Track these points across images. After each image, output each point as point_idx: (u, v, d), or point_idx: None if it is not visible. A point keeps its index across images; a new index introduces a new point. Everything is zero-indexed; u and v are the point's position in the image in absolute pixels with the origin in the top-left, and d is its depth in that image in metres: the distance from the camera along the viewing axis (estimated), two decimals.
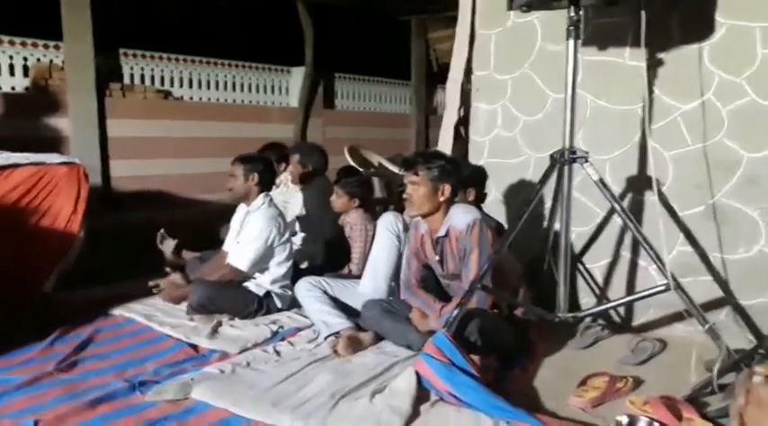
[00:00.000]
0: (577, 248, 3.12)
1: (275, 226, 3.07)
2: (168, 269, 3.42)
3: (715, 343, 2.23)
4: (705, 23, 2.70)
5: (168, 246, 3.54)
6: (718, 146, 2.70)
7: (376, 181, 4.41)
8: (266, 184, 3.16)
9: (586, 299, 3.14)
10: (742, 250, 2.71)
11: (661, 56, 2.79)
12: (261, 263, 3.08)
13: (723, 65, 2.68)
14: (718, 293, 2.77)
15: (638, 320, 3.00)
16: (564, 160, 2.37)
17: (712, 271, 2.78)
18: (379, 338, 2.72)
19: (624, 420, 2.10)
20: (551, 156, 2.41)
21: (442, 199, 2.55)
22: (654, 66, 2.79)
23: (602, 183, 2.38)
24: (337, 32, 7.69)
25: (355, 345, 2.63)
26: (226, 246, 3.29)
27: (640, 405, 2.22)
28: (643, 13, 2.40)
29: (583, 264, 3.12)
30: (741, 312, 2.72)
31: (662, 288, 2.33)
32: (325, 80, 7.61)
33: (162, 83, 6.03)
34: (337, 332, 2.71)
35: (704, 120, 2.72)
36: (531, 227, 2.95)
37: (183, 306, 3.07)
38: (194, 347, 2.67)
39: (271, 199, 3.17)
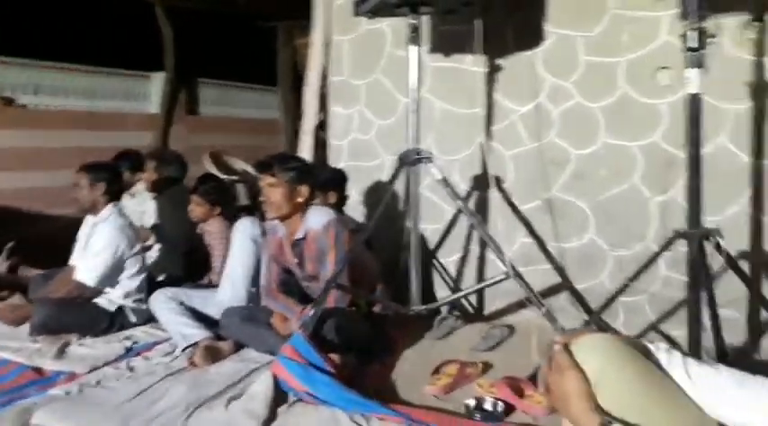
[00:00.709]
0: (432, 244, 3.27)
1: (124, 238, 2.93)
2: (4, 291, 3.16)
3: (552, 325, 2.43)
4: (536, 32, 2.94)
5: (2, 266, 3.28)
6: (551, 144, 2.95)
7: (240, 188, 4.36)
8: (114, 194, 3.01)
9: (442, 293, 3.29)
10: (575, 239, 2.97)
11: (498, 62, 3.00)
12: (111, 277, 2.93)
13: (553, 70, 2.93)
14: (556, 279, 3.02)
15: (489, 309, 3.20)
16: (410, 161, 2.48)
17: (551, 260, 3.02)
18: (239, 346, 2.69)
19: (472, 402, 2.23)
20: (398, 158, 2.51)
21: (299, 200, 2.58)
22: (492, 71, 3.00)
23: (445, 182, 2.51)
24: (200, 37, 7.48)
25: (214, 355, 2.58)
26: (72, 261, 3.11)
27: (488, 388, 2.36)
28: (479, 22, 2.58)
29: (437, 259, 3.28)
30: (576, 295, 2.98)
31: (502, 277, 2.50)
32: (188, 86, 7.38)
33: (3, 90, 5.57)
34: (195, 343, 2.65)
35: (538, 121, 2.96)
36: (387, 226, 3.05)
37: (26, 327, 2.85)
38: (38, 370, 2.49)
39: (120, 209, 3.03)
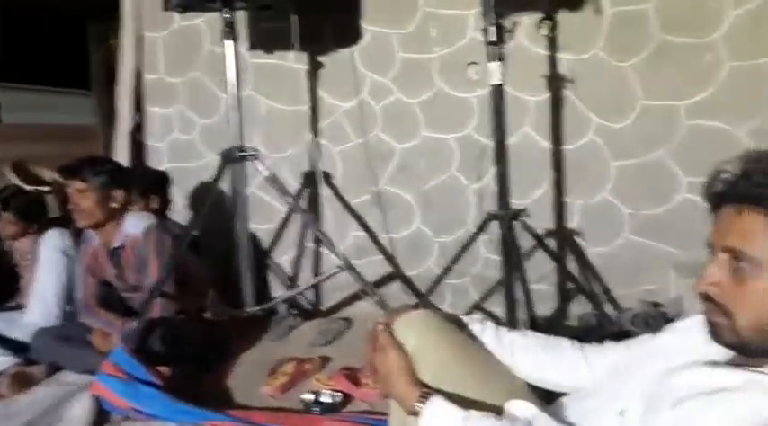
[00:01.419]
0: (266, 244, 3.22)
1: None
2: None
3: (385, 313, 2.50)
4: (353, 29, 3.00)
5: None
6: (376, 139, 3.03)
7: (51, 199, 3.96)
8: None
9: (279, 293, 3.25)
10: (403, 229, 3.09)
11: (319, 59, 3.02)
12: None
13: (372, 67, 3.01)
14: (388, 269, 3.11)
15: (327, 304, 3.22)
16: (233, 158, 2.41)
17: (382, 251, 3.11)
18: (54, 369, 2.45)
19: (309, 397, 2.23)
20: (221, 156, 2.43)
21: (114, 206, 2.40)
22: (314, 68, 3.02)
23: (273, 179, 2.48)
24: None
25: (24, 382, 2.32)
26: None
27: (325, 381, 2.37)
28: (295, 19, 2.57)
29: (271, 259, 3.23)
30: (407, 282, 3.09)
31: (336, 270, 2.53)
32: None
33: None
34: (1, 372, 2.37)
35: (362, 117, 3.03)
36: (217, 228, 2.95)
37: None
38: None
39: None
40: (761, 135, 2.62)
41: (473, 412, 1.07)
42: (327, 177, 3.07)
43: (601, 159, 2.82)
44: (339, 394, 2.23)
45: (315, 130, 3.00)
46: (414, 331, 1.21)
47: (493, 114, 2.14)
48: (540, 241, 2.66)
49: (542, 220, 2.91)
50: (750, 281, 0.90)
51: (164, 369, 2.23)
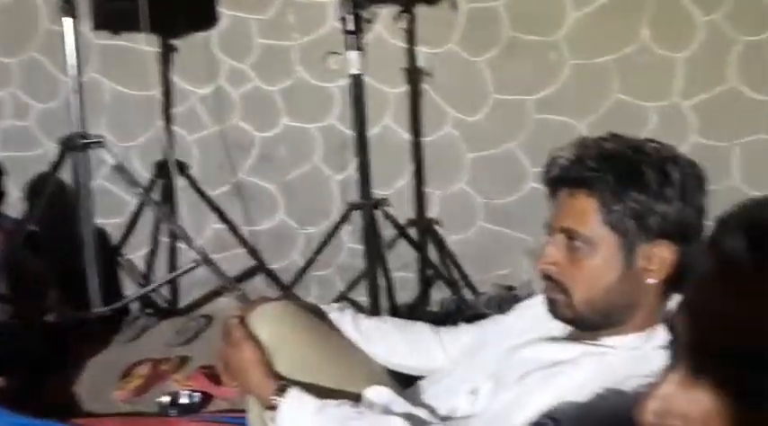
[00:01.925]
0: (115, 239, 3.00)
1: None
2: None
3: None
4: (210, 13, 2.86)
5: None
6: (235, 128, 2.92)
7: None
8: None
9: (132, 291, 3.05)
10: (266, 221, 3.01)
11: (173, 42, 2.86)
12: None
13: (230, 52, 2.89)
14: (251, 262, 3.03)
15: (184, 302, 3.07)
16: (75, 146, 2.22)
17: (244, 244, 3.02)
18: None
19: (166, 399, 2.12)
20: (60, 143, 2.23)
21: None
22: (166, 52, 2.85)
23: (121, 169, 2.32)
24: None
25: None
26: None
27: (184, 381, 2.27)
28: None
29: (122, 256, 3.03)
30: (271, 275, 3.03)
31: (193, 264, 2.42)
32: None
33: None
34: None
35: (220, 105, 2.91)
36: (60, 223, 2.70)
37: None
38: None
39: None
40: (599, 127, 2.84)
41: (329, 402, 1.06)
42: (182, 167, 2.91)
43: (457, 151, 2.93)
44: (198, 394, 2.16)
45: (168, 117, 2.84)
46: (268, 322, 1.18)
47: (353, 104, 2.15)
48: (401, 230, 2.71)
49: (404, 210, 2.98)
50: (584, 259, 0.97)
51: None
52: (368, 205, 2.18)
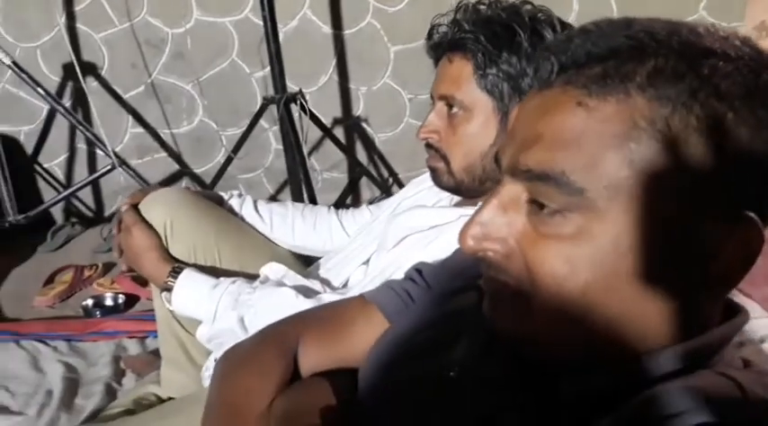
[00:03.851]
0: (30, 148, 2.88)
1: None
2: None
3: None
4: None
5: None
6: (144, 24, 2.76)
7: None
8: None
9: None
10: (185, 123, 2.93)
11: None
12: None
13: None
14: (175, 167, 2.97)
15: (109, 210, 3.02)
16: None
17: (166, 148, 2.94)
18: None
19: (90, 302, 2.12)
20: None
21: None
22: None
23: (18, 69, 2.18)
24: None
25: None
26: None
27: (109, 285, 2.27)
28: None
29: (39, 164, 2.91)
30: (196, 179, 2.99)
31: (108, 168, 2.35)
32: None
33: None
34: None
35: None
36: None
37: None
38: None
39: None
40: None
41: (223, 279, 1.08)
42: (92, 68, 2.76)
43: (379, 44, 2.86)
44: (122, 296, 2.17)
45: (70, 14, 2.65)
46: (163, 207, 1.17)
47: None
48: (326, 130, 2.68)
49: (330, 108, 2.94)
50: (461, 125, 0.98)
51: None
52: (282, 98, 2.13)
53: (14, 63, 2.16)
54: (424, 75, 2.86)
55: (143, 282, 2.19)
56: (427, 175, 1.16)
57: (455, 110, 0.97)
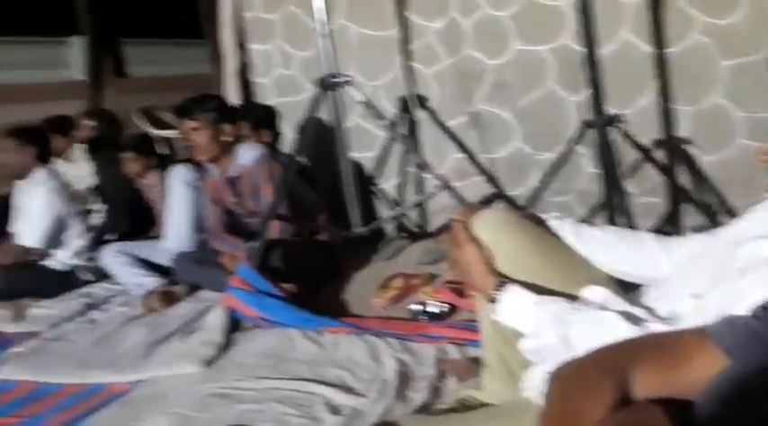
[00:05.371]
0: (368, 170, 3.36)
1: (60, 198, 2.98)
2: None
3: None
4: None
5: None
6: (468, 57, 3.02)
7: (178, 140, 4.34)
8: (43, 157, 3.03)
9: (386, 216, 3.41)
10: (502, 148, 3.10)
11: None
12: (53, 237, 2.97)
13: None
14: (490, 189, 3.16)
15: (433, 226, 3.34)
16: (328, 85, 2.51)
17: (482, 171, 3.16)
18: (193, 289, 2.79)
19: (416, 307, 2.38)
20: (317, 83, 2.53)
21: (225, 140, 2.63)
22: None
23: (368, 104, 2.58)
24: None
25: (170, 299, 2.68)
26: (11, 228, 3.12)
27: (431, 293, 2.51)
28: None
29: (376, 185, 3.38)
30: (509, 201, 3.13)
31: (434, 191, 2.62)
32: (111, 47, 7.12)
33: None
34: (151, 291, 2.73)
35: (452, 36, 3.02)
36: (322, 157, 3.10)
37: None
38: None
39: (52, 171, 3.04)
40: None
41: (545, 297, 1.15)
42: (422, 101, 3.12)
43: (709, 60, 2.65)
44: (446, 305, 2.35)
45: (406, 54, 3.04)
46: (490, 226, 1.29)
47: (580, 18, 2.09)
48: (645, 152, 2.58)
49: (649, 130, 2.82)
50: None
51: (287, 286, 2.46)
52: (601, 122, 2.14)
53: (367, 101, 2.55)
54: (763, 91, 2.59)
55: (461, 294, 2.38)
56: None
57: None
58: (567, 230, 1.36)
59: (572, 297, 1.19)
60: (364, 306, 2.51)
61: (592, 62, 2.13)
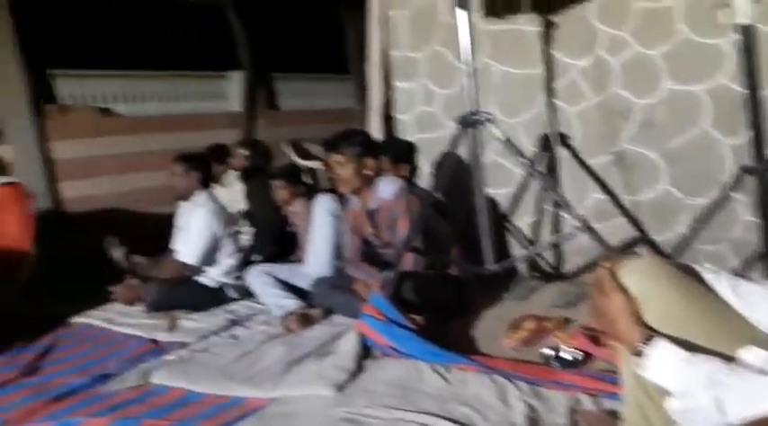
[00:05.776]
0: (503, 207, 3.34)
1: (217, 219, 3.24)
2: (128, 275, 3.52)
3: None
4: None
5: (118, 253, 3.64)
6: (614, 96, 2.94)
7: (321, 172, 4.58)
8: (205, 181, 3.32)
9: (519, 254, 3.36)
10: (648, 190, 2.96)
11: (551, 18, 3.01)
12: (209, 255, 3.23)
13: (607, 20, 2.91)
14: (633, 233, 3.02)
15: (568, 268, 3.24)
16: (469, 123, 2.53)
17: (625, 213, 3.03)
18: (328, 312, 2.90)
19: (549, 351, 2.31)
20: (458, 121, 2.57)
21: (367, 173, 2.74)
22: (546, 28, 3.01)
23: (508, 142, 2.58)
24: (271, 32, 7.73)
25: (307, 321, 2.80)
26: (173, 245, 3.43)
27: (565, 338, 2.43)
28: None
29: (511, 222, 3.34)
30: (654, 247, 2.97)
31: (573, 232, 2.55)
32: (265, 82, 7.69)
33: (99, 100, 6.05)
34: (290, 312, 2.88)
35: (599, 74, 2.96)
36: (458, 193, 3.13)
37: (141, 307, 3.20)
38: (154, 342, 2.80)
39: (211, 194, 3.33)
40: None
41: (698, 355, 1.09)
42: (564, 139, 3.07)
43: None
44: (580, 352, 2.25)
45: (550, 92, 3.02)
46: (639, 276, 1.24)
47: (743, 59, 1.96)
48: None
49: None
50: None
51: (417, 318, 2.49)
52: (762, 169, 1.98)
53: (507, 139, 2.55)
54: None
55: (597, 342, 2.28)
56: None
57: None
58: (725, 284, 1.27)
59: (727, 358, 1.11)
60: (493, 345, 2.48)
61: (754, 104, 1.99)
